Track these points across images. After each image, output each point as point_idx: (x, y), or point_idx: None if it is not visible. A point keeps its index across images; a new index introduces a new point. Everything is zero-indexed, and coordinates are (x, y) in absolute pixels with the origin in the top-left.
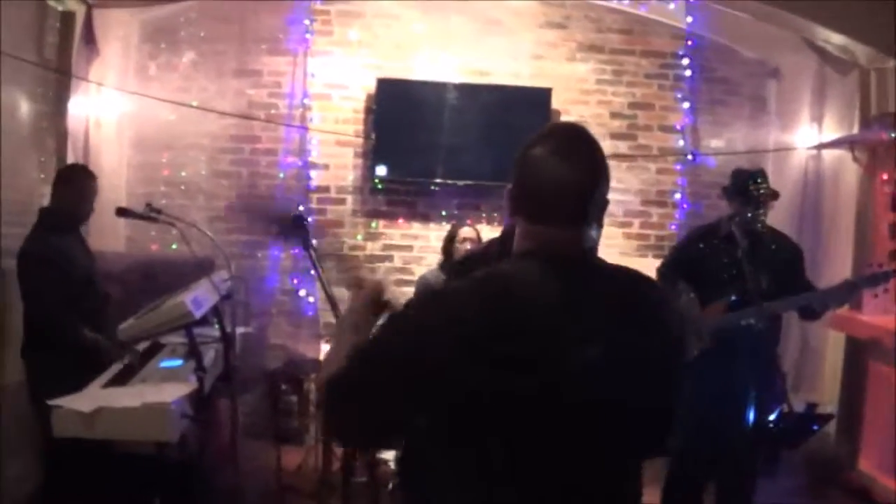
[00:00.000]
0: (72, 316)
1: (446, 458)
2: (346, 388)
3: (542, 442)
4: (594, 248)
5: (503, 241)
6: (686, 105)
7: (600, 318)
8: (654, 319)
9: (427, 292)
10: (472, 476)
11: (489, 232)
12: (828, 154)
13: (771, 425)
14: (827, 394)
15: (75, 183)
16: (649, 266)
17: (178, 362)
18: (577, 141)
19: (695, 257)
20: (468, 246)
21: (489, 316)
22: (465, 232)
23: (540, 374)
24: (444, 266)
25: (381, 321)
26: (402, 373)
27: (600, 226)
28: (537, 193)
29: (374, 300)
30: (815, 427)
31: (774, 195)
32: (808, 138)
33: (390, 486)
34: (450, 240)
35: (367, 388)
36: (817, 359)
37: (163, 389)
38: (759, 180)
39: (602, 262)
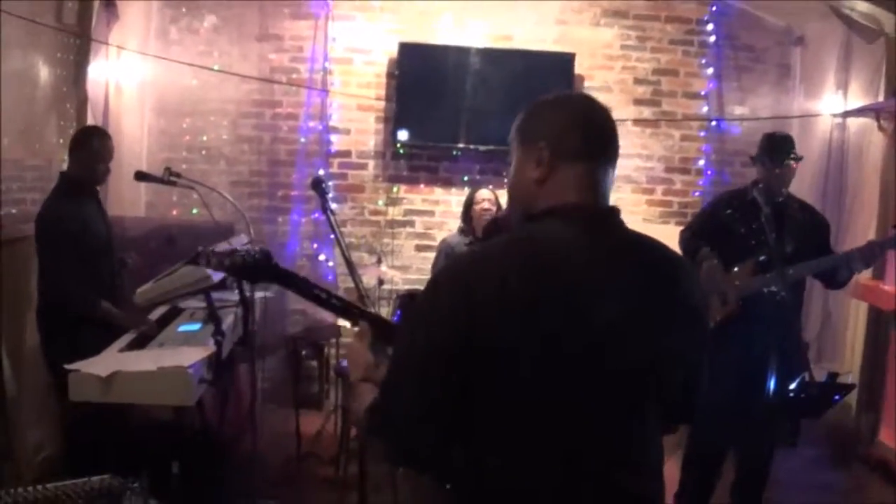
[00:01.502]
0: (86, 286)
1: (480, 424)
2: (393, 401)
3: (564, 404)
4: (616, 208)
5: None
6: (710, 71)
7: (624, 279)
8: (676, 288)
9: (446, 264)
10: (502, 438)
11: None
12: (852, 122)
13: (792, 394)
14: (848, 364)
15: (89, 144)
16: (672, 233)
17: (197, 326)
18: (592, 100)
19: (719, 223)
20: (486, 207)
21: (515, 280)
22: (483, 194)
23: (564, 336)
24: (464, 230)
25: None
26: (436, 351)
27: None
28: (584, 126)
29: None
30: (837, 397)
31: (797, 159)
32: (832, 106)
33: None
34: (468, 204)
35: (412, 387)
36: (839, 329)
37: (180, 353)
38: (782, 145)
39: (624, 227)
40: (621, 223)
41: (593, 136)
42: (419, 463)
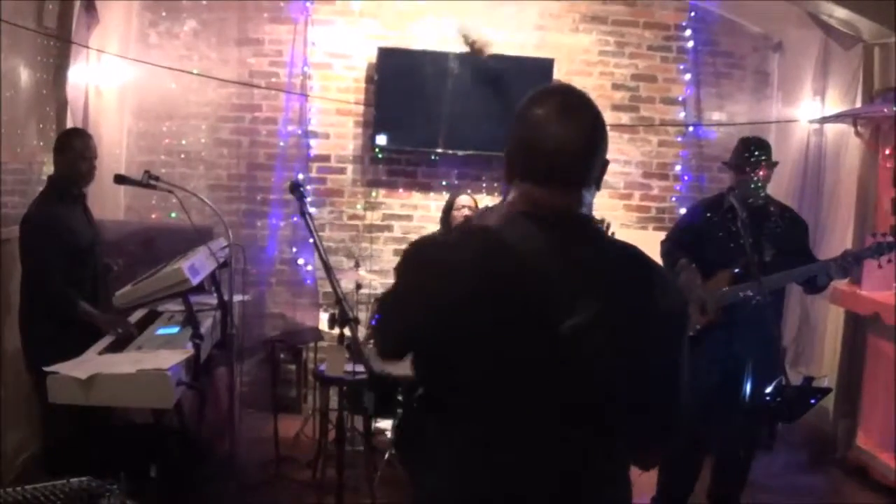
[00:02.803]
0: (69, 288)
1: (441, 423)
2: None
3: (523, 400)
4: (589, 213)
5: None
6: (688, 77)
7: (588, 281)
8: (645, 294)
9: (411, 251)
10: (463, 437)
11: (490, 202)
12: (830, 129)
13: (768, 398)
14: (825, 369)
15: (71, 145)
16: (649, 238)
17: (175, 329)
18: (578, 102)
19: (697, 230)
20: (466, 213)
21: (474, 268)
22: (463, 200)
23: (521, 330)
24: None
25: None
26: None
27: (598, 187)
28: (535, 153)
29: None
30: (813, 400)
31: (770, 165)
32: (810, 112)
33: (387, 454)
34: (448, 209)
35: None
36: (816, 334)
37: (159, 356)
38: (754, 149)
39: (597, 231)
40: (589, 228)
41: (552, 161)
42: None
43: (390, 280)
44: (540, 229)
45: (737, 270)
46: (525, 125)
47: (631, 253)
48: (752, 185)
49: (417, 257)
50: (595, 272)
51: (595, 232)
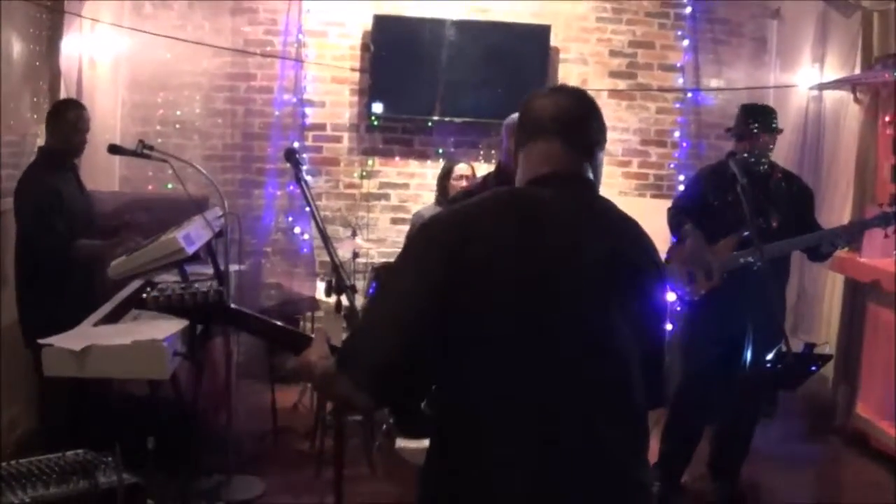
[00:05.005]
0: (64, 234)
1: (446, 392)
2: (361, 339)
3: (542, 350)
4: (596, 180)
5: (498, 176)
6: (686, 44)
7: (597, 236)
8: (642, 259)
9: (426, 219)
10: (467, 407)
11: (486, 169)
12: (829, 95)
13: (769, 365)
14: (824, 336)
15: (64, 116)
16: (648, 206)
17: None
18: (571, 86)
19: (701, 198)
20: (464, 183)
21: (495, 229)
22: (461, 169)
23: (544, 283)
24: (440, 202)
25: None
26: (410, 298)
27: (596, 171)
28: (547, 115)
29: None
30: (814, 367)
31: (773, 131)
32: (809, 79)
33: (384, 426)
34: (445, 176)
35: (382, 330)
36: (815, 301)
37: (154, 327)
38: (757, 116)
39: (602, 200)
40: (592, 188)
41: (556, 118)
42: (382, 400)
43: (387, 249)
44: (552, 187)
45: (745, 234)
46: (529, 102)
47: (622, 211)
48: (755, 153)
49: (437, 229)
50: (609, 227)
51: (592, 189)
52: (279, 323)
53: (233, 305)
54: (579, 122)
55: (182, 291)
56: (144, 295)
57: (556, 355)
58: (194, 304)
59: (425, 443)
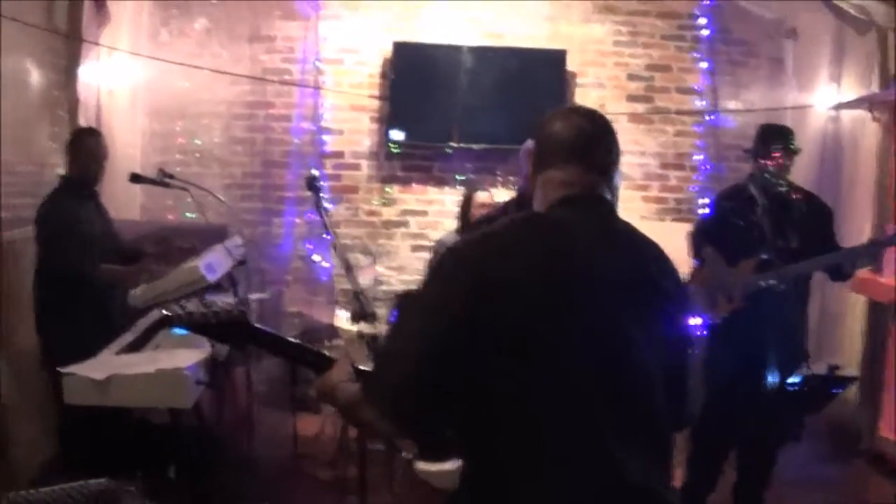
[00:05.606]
0: (87, 258)
1: (471, 416)
2: (385, 367)
3: (569, 374)
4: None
5: (519, 202)
6: (703, 66)
7: (620, 259)
8: (664, 279)
9: (452, 245)
10: (492, 429)
11: (505, 195)
12: (847, 114)
13: (792, 388)
14: (846, 358)
15: (82, 144)
16: (668, 229)
17: None
18: (585, 107)
19: (720, 220)
20: (484, 210)
21: (522, 254)
22: (481, 197)
23: (571, 307)
24: (460, 231)
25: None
26: (435, 325)
27: (613, 192)
28: (563, 138)
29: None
30: (837, 389)
31: (791, 151)
32: (826, 99)
33: (407, 454)
34: (465, 204)
35: (405, 358)
36: (838, 322)
37: (176, 355)
38: (774, 136)
39: (622, 221)
40: (612, 209)
41: (572, 141)
42: (407, 428)
43: (407, 276)
44: (574, 210)
45: (764, 257)
46: (548, 122)
47: (647, 239)
48: (773, 173)
49: (466, 250)
50: (631, 247)
51: (619, 220)
52: (300, 342)
53: (256, 325)
54: (595, 144)
55: (206, 310)
56: (169, 313)
57: (580, 375)
58: (217, 322)
59: (446, 465)
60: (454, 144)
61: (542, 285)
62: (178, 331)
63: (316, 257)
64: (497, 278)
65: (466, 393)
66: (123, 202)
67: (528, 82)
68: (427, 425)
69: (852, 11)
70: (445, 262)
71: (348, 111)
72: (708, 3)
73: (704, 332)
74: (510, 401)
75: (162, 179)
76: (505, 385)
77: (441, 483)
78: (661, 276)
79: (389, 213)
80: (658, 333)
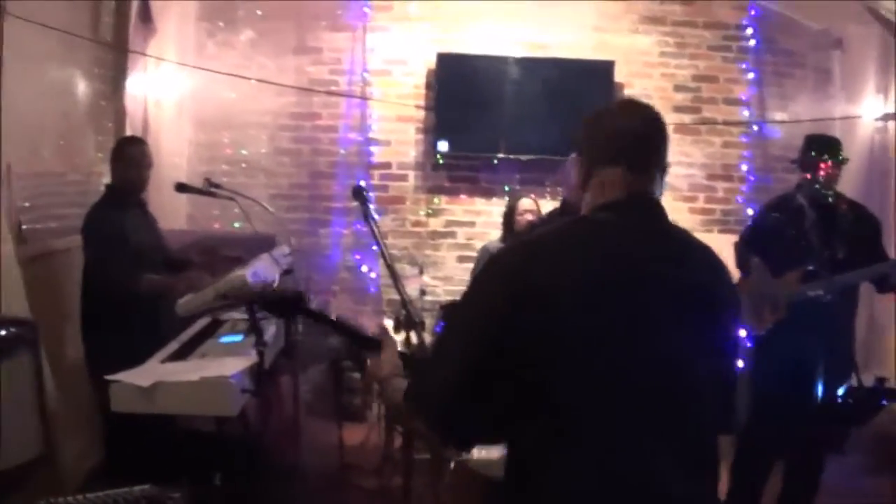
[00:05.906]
0: (129, 269)
1: (516, 424)
2: (429, 377)
3: (614, 384)
4: (654, 199)
5: (563, 211)
6: (750, 77)
7: (669, 263)
8: (717, 285)
9: (496, 253)
10: (537, 437)
11: (551, 206)
12: (894, 125)
13: (839, 400)
14: (894, 370)
15: (125, 153)
16: (714, 241)
17: (239, 337)
18: (637, 101)
19: (768, 230)
20: (529, 218)
21: (567, 262)
22: (526, 204)
23: (618, 314)
24: (504, 239)
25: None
26: (471, 339)
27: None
28: (608, 138)
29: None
30: (885, 402)
31: (839, 162)
32: (874, 109)
33: (452, 463)
34: (510, 212)
35: (449, 365)
36: (886, 333)
37: (222, 363)
38: (821, 147)
39: (674, 225)
40: (662, 212)
41: (622, 141)
42: (452, 436)
43: (454, 287)
44: (620, 213)
45: (810, 268)
46: (594, 124)
47: (696, 238)
48: (821, 183)
49: (504, 258)
50: (682, 251)
51: (662, 213)
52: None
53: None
54: (646, 145)
55: (262, 288)
56: (227, 294)
57: (626, 381)
58: (274, 296)
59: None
60: (501, 155)
61: (584, 291)
62: (225, 339)
63: (363, 268)
64: (536, 286)
65: (510, 401)
66: (169, 212)
67: (575, 93)
68: (469, 435)
69: None
70: (483, 274)
71: (395, 122)
72: (754, 13)
73: (749, 343)
74: (551, 408)
75: (208, 189)
76: (546, 392)
77: (488, 471)
78: (714, 283)
79: (436, 224)
80: (707, 340)
